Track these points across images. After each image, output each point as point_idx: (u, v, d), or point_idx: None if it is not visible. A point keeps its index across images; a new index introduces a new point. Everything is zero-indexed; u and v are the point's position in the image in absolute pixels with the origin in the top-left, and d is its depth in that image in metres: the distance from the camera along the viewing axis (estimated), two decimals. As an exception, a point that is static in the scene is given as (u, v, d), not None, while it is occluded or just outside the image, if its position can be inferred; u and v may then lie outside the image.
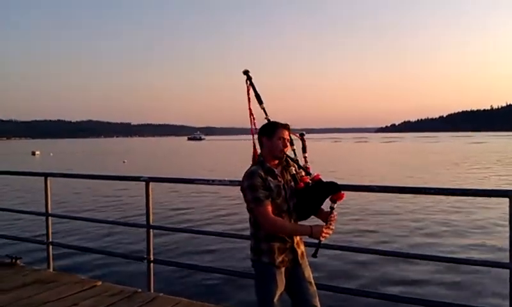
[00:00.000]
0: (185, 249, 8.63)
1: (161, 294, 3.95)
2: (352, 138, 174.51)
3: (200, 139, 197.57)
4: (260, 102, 2.73)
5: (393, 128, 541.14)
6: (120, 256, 7.04)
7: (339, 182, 2.53)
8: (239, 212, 11.26)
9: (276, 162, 2.53)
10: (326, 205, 2.52)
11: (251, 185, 2.40)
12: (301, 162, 2.64)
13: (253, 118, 2.69)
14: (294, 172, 2.57)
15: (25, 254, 6.69)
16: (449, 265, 6.82)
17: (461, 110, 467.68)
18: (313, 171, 2.60)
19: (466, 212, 12.28)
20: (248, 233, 2.68)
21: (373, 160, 40.48)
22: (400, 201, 13.76)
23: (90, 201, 15.93)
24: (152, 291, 4.04)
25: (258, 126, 2.63)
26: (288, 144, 2.54)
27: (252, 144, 2.64)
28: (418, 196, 13.52)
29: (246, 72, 2.75)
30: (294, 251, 2.50)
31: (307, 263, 2.59)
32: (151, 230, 4.17)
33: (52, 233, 4.95)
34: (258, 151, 2.59)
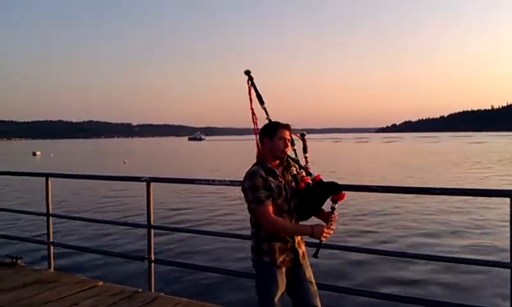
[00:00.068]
0: (186, 249, 8.64)
1: (162, 294, 3.95)
2: (352, 138, 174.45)
3: (200, 139, 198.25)
4: (261, 102, 2.73)
5: (394, 128, 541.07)
6: (120, 256, 7.06)
7: (339, 182, 2.53)
8: (240, 212, 11.27)
9: (277, 162, 2.53)
10: (326, 205, 2.53)
11: (252, 185, 2.40)
12: (302, 163, 2.64)
13: (256, 118, 2.69)
14: (295, 172, 2.57)
15: (26, 254, 6.70)
16: (450, 264, 6.82)
17: (461, 110, 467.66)
18: (314, 171, 2.60)
19: (466, 212, 12.27)
20: (248, 233, 2.68)
21: (373, 160, 40.46)
22: (400, 201, 13.75)
23: (91, 201, 15.94)
24: (153, 291, 4.04)
25: (260, 126, 2.63)
26: (289, 144, 2.54)
27: (256, 144, 2.63)
28: (418, 196, 13.53)
29: (247, 72, 2.74)
30: (295, 251, 2.50)
31: (308, 263, 2.59)
32: (152, 230, 4.17)
33: (52, 233, 4.95)
34: None
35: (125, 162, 40.18)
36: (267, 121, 2.66)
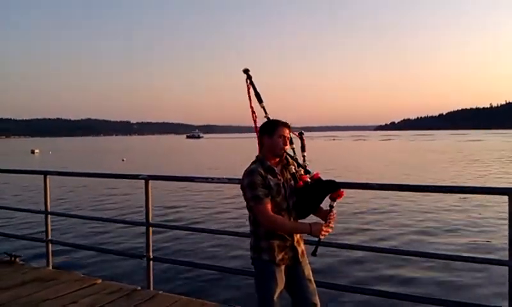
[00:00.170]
0: (185, 247, 8.64)
1: (160, 292, 3.95)
2: (350, 136, 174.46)
3: (199, 137, 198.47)
4: (260, 100, 2.74)
5: (392, 126, 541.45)
6: (119, 254, 7.05)
7: (336, 180, 2.53)
8: (238, 209, 11.27)
9: (277, 160, 2.54)
10: (325, 203, 2.53)
11: (250, 183, 2.40)
12: (300, 161, 2.65)
13: (255, 117, 2.70)
14: (294, 170, 2.57)
15: (25, 252, 6.71)
16: (448, 262, 6.83)
17: (460, 108, 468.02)
18: (310, 169, 2.60)
19: (464, 210, 12.29)
20: (247, 230, 2.68)
21: (371, 158, 40.49)
22: (398, 199, 13.76)
23: (89, 199, 15.91)
24: (152, 289, 4.05)
25: (259, 125, 2.64)
26: (288, 142, 2.54)
27: (257, 142, 2.63)
28: (416, 193, 13.54)
29: (246, 71, 2.76)
30: (294, 249, 2.51)
31: (307, 261, 2.59)
32: (150, 228, 4.17)
33: (51, 230, 4.95)
34: None
35: (123, 160, 40.15)
36: (266, 120, 2.67)
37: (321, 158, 36.03)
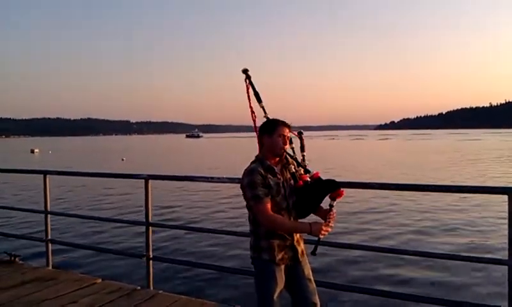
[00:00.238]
0: (185, 247, 8.64)
1: (160, 291, 3.95)
2: (348, 135, 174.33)
3: (198, 136, 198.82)
4: (259, 100, 2.74)
5: (392, 126, 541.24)
6: (119, 254, 7.05)
7: (336, 179, 2.53)
8: (238, 209, 11.27)
9: (276, 159, 2.54)
10: (325, 203, 2.53)
11: (250, 182, 2.40)
12: (300, 160, 2.64)
13: (255, 116, 2.70)
14: (294, 170, 2.57)
15: (24, 252, 6.71)
16: (447, 262, 6.83)
17: (460, 108, 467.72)
18: (310, 168, 2.60)
19: (464, 210, 12.29)
20: (247, 230, 2.68)
21: (369, 158, 40.49)
22: (398, 198, 13.77)
23: (89, 198, 15.91)
24: (151, 288, 4.05)
25: (258, 124, 2.64)
26: (288, 141, 2.54)
27: (256, 141, 2.63)
28: (416, 193, 13.54)
29: (245, 71, 2.76)
30: (294, 249, 2.51)
31: (307, 260, 2.59)
32: (150, 227, 4.17)
33: (51, 230, 4.95)
34: None
35: (123, 160, 40.15)
36: (265, 119, 2.67)
37: (320, 157, 36.02)
